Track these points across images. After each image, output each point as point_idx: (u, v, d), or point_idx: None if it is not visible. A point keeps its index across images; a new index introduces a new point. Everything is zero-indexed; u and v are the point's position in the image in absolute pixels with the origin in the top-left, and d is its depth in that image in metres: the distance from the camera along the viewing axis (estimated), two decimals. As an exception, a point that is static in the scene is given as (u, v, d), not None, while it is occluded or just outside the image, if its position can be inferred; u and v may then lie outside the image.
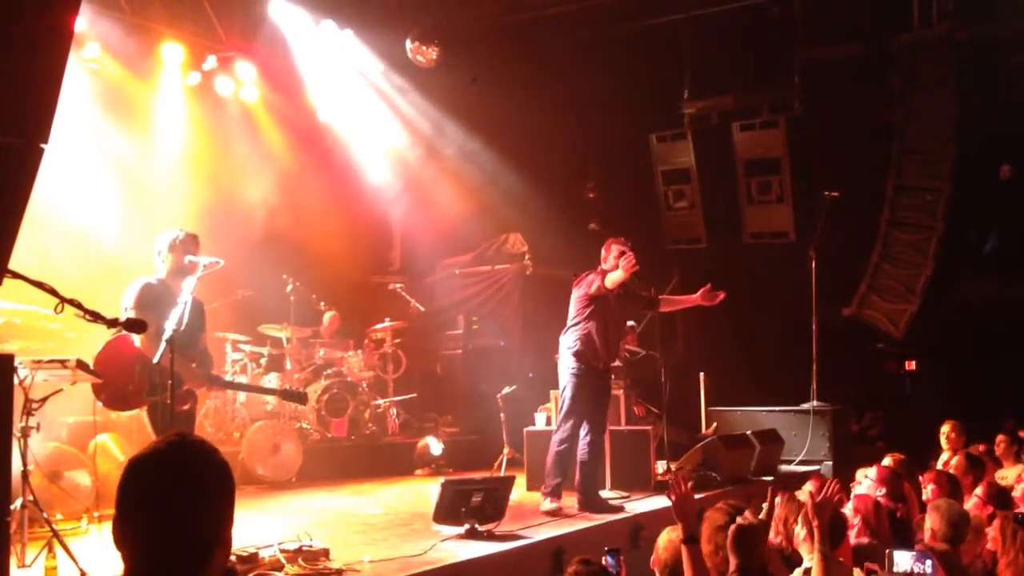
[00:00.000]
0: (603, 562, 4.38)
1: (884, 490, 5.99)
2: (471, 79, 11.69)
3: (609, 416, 8.17)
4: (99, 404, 6.02)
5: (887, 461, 6.87)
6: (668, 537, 4.20)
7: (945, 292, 11.07)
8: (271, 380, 9.76)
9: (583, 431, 7.32)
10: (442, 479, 6.48)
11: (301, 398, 7.34)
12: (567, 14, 11.27)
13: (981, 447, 7.98)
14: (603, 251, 7.43)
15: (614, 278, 7.05)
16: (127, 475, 1.94)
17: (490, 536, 6.08)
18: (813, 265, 10.22)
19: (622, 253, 7.12)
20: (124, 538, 1.92)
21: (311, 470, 9.14)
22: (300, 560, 5.16)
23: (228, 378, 9.22)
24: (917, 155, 11.21)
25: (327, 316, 10.95)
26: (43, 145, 3.26)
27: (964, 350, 10.72)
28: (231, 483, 2.02)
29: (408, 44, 11.13)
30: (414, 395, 11.33)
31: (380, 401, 10.84)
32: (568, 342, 7.34)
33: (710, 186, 12.21)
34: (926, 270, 11.07)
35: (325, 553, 5.34)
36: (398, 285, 11.89)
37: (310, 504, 7.86)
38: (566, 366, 7.33)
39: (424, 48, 11.17)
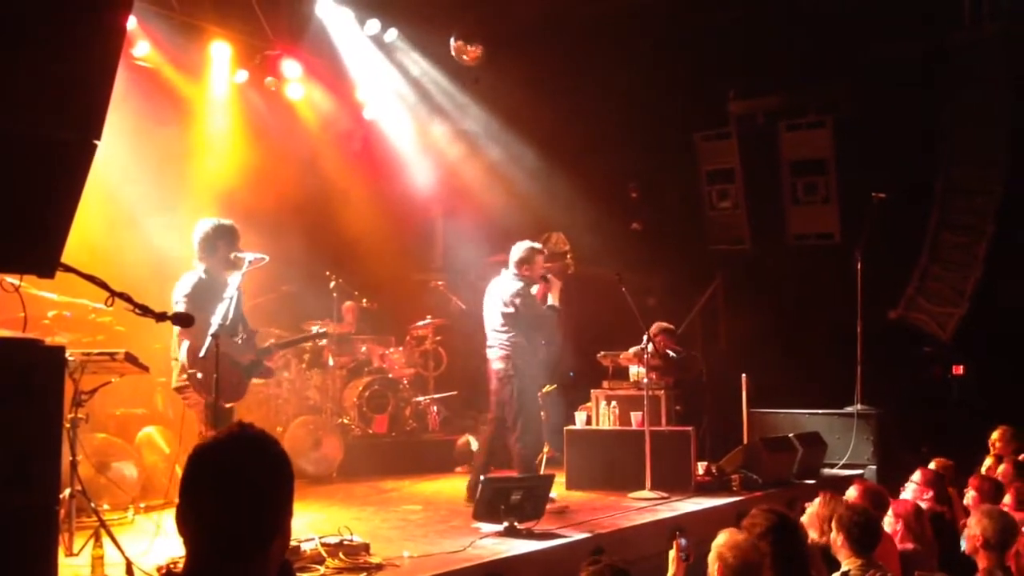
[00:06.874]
0: (675, 544, 4.56)
1: (931, 493, 5.90)
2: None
3: (650, 416, 8.15)
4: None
5: (933, 465, 6.78)
6: (734, 539, 4.02)
7: (994, 296, 10.84)
8: (313, 376, 9.83)
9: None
10: (482, 476, 6.50)
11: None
12: (611, 13, 11.20)
13: None
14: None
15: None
16: (192, 462, 1.98)
17: (529, 534, 6.10)
18: (859, 267, 10.09)
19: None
20: (186, 523, 1.96)
21: (352, 465, 9.22)
22: (341, 554, 5.23)
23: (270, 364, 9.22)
24: (968, 157, 10.98)
25: (344, 306, 10.87)
26: (95, 141, 3.30)
27: (1012, 355, 10.50)
28: (291, 475, 2.04)
29: (452, 42, 11.15)
30: (454, 392, 11.36)
31: (421, 398, 10.89)
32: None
33: (754, 186, 12.07)
34: (975, 273, 10.83)
35: (365, 548, 5.40)
36: (440, 283, 11.94)
37: (350, 499, 7.93)
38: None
39: (468, 47, 11.18)
